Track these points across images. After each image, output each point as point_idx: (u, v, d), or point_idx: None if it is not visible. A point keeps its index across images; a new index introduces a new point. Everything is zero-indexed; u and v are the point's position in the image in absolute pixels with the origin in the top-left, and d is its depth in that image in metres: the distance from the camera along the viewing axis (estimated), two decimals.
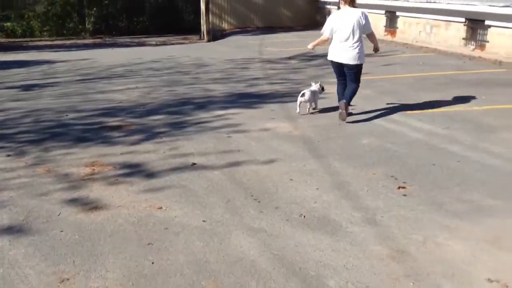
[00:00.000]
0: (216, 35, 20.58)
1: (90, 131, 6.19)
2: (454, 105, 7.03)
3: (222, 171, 4.77)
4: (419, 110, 6.82)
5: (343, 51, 6.28)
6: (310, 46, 6.65)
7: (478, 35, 11.89)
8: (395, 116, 6.58)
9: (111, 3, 26.47)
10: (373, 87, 8.49)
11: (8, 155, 5.27)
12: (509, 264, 3.10)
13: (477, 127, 5.97)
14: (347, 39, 6.21)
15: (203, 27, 23.02)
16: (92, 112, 7.23)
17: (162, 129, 6.27)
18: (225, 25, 21.36)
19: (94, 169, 4.83)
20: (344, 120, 6.27)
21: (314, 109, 6.98)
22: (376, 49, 6.74)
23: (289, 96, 8.07)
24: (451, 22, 12.67)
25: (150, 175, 4.71)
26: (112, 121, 6.68)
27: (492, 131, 5.78)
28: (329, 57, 6.52)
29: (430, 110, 6.80)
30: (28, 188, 4.38)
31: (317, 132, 5.96)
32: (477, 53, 11.53)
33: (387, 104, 7.26)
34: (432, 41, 13.48)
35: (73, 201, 4.11)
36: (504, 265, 3.08)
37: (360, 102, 7.42)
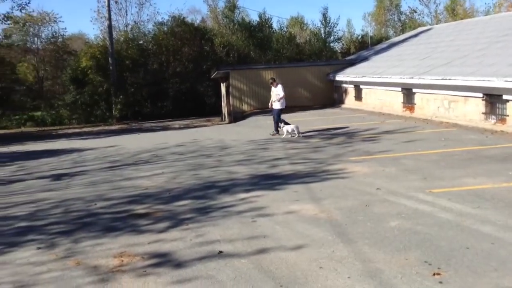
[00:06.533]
0: (237, 116, 21.19)
1: (118, 220, 6.27)
2: (482, 183, 6.93)
3: (249, 259, 4.71)
4: (446, 189, 6.73)
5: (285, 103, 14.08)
6: (270, 105, 14.51)
7: (497, 109, 11.98)
8: (422, 195, 6.51)
9: (137, 91, 27.81)
10: (396, 165, 8.49)
11: (39, 248, 5.33)
12: None
13: (508, 205, 5.83)
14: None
15: (224, 110, 23.87)
16: (120, 200, 7.36)
17: (188, 215, 6.30)
18: (245, 107, 22.04)
19: (122, 261, 4.83)
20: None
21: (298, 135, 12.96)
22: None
23: (312, 176, 8.11)
24: (469, 98, 12.85)
25: (178, 265, 4.67)
26: (139, 209, 6.76)
27: None
28: (282, 106, 13.73)
29: (458, 188, 6.71)
30: (58, 282, 4.38)
31: (343, 215, 5.90)
32: (499, 127, 11.55)
33: (413, 182, 7.20)
34: (452, 116, 13.59)
35: None
36: None
37: (385, 181, 7.40)
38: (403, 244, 4.84)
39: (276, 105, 13.81)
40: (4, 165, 12.44)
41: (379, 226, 5.42)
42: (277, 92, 13.84)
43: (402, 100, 16.41)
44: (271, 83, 14.31)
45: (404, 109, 16.23)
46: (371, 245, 4.86)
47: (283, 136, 13.12)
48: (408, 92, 16.09)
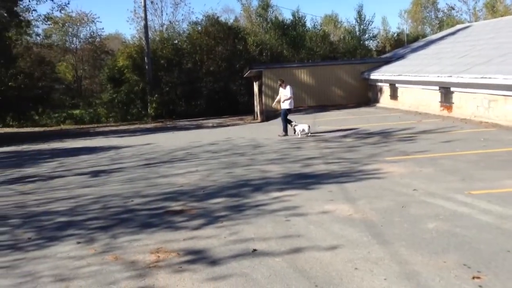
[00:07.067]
0: (269, 115, 21.20)
1: (154, 217, 6.39)
2: None
3: (283, 258, 4.71)
4: (486, 190, 6.53)
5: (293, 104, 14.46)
6: (273, 105, 16.39)
7: None
8: (461, 197, 6.34)
9: (171, 90, 28.24)
10: (434, 165, 8.30)
11: (78, 243, 5.50)
12: None
13: None
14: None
15: (257, 108, 23.91)
16: (156, 196, 7.50)
17: (222, 213, 6.35)
18: (277, 105, 22.00)
19: (159, 256, 4.92)
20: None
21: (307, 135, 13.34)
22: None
23: (346, 176, 8.02)
24: (510, 97, 12.41)
25: (213, 262, 4.72)
26: (175, 206, 6.87)
27: None
28: (290, 106, 14.12)
29: (498, 190, 6.50)
30: (97, 277, 4.50)
31: (379, 215, 5.82)
32: None
33: (451, 183, 7.02)
34: (492, 116, 13.17)
35: None
36: None
37: (422, 181, 7.25)
38: (441, 246, 4.73)
39: (284, 105, 14.16)
40: (45, 161, 12.88)
41: (416, 227, 5.32)
42: (285, 93, 14.18)
43: (439, 99, 16.01)
44: (280, 85, 14.58)
45: (442, 108, 15.83)
46: (407, 246, 4.78)
47: (299, 136, 13.37)
48: (445, 91, 15.68)
